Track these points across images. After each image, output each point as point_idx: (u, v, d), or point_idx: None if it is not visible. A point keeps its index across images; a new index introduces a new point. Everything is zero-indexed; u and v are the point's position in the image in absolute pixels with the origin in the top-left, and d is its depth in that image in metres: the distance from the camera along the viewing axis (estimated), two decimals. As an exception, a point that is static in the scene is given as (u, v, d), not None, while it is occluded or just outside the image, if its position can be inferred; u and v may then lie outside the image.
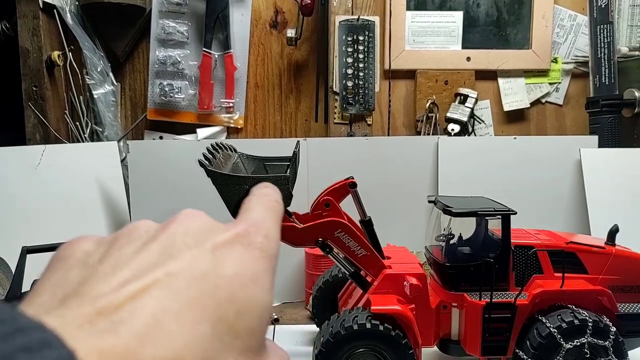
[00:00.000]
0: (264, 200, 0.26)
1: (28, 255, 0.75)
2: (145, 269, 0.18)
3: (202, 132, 1.58)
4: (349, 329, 0.84)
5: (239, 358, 0.18)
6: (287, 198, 0.85)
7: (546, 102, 1.76)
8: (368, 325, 0.84)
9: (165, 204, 1.27)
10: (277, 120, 1.65)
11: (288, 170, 0.87)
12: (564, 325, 0.86)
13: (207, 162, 0.83)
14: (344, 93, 1.52)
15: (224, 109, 1.58)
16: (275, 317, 1.31)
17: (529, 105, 1.73)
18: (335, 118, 1.55)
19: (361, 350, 0.86)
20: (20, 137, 1.43)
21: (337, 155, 1.42)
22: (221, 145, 0.98)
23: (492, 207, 0.95)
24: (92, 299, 0.17)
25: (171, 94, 1.54)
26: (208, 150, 0.89)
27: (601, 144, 1.50)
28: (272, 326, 1.26)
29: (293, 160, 0.88)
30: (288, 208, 0.97)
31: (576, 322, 0.86)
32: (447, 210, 0.93)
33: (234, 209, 0.84)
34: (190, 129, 1.59)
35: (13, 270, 0.78)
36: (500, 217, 0.94)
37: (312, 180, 1.36)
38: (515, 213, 0.93)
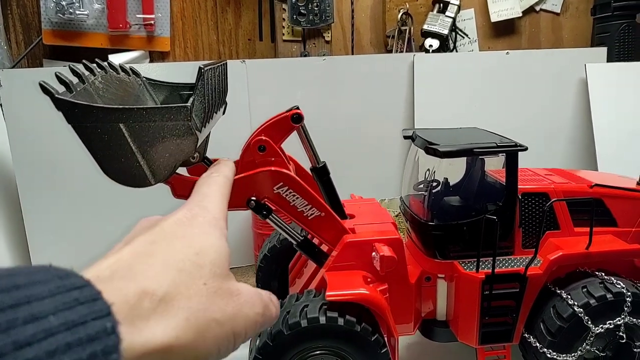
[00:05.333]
0: (209, 179, 0.38)
1: None
2: (136, 251, 0.28)
3: (116, 59, 1.24)
4: (294, 326, 0.59)
5: (209, 281, 0.28)
6: (189, 140, 0.56)
7: (541, 10, 1.47)
8: (322, 320, 0.59)
9: (48, 145, 0.99)
10: (213, 41, 1.32)
11: (192, 100, 0.57)
12: (592, 301, 0.63)
13: (55, 90, 0.53)
14: (293, 0, 1.19)
15: (143, 27, 1.24)
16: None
17: (520, 15, 1.44)
18: (284, 34, 1.23)
19: (316, 353, 0.61)
20: None
21: (288, 81, 1.12)
22: (107, 66, 0.66)
23: (492, 142, 0.68)
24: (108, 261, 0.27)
25: (70, 10, 1.19)
26: (73, 70, 0.59)
27: (610, 58, 1.25)
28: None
29: (199, 85, 0.59)
30: (207, 155, 0.69)
31: (609, 296, 0.63)
32: (430, 149, 0.66)
33: (110, 166, 0.55)
34: (102, 55, 1.25)
35: None
36: (504, 155, 0.67)
37: (255, 115, 1.07)
38: (526, 149, 0.67)
